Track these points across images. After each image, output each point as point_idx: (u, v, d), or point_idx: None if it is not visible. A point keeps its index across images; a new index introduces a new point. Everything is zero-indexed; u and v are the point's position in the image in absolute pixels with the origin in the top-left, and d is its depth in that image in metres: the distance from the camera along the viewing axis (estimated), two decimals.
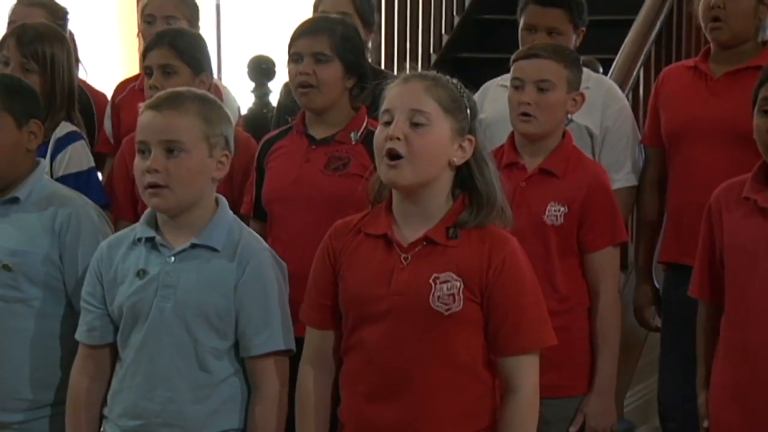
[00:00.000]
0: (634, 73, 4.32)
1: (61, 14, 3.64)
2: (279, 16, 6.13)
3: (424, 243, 2.25)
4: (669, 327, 3.32)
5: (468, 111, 2.27)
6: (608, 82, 3.54)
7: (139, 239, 2.36)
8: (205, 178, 2.33)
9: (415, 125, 2.22)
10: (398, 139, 2.21)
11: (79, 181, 2.95)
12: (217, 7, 6.25)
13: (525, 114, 2.79)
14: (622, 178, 3.27)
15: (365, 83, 2.86)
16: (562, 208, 2.78)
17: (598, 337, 2.80)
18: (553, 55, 2.82)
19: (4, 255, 2.48)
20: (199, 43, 3.13)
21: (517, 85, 2.83)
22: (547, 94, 2.79)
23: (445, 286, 2.22)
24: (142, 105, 2.34)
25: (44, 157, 2.88)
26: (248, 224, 2.98)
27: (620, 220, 2.86)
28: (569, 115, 2.90)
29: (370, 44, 3.48)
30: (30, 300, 2.50)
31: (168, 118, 2.29)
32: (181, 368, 2.31)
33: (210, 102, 2.36)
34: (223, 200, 2.39)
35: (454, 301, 2.22)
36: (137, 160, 2.32)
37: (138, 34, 3.73)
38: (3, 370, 2.49)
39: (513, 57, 2.88)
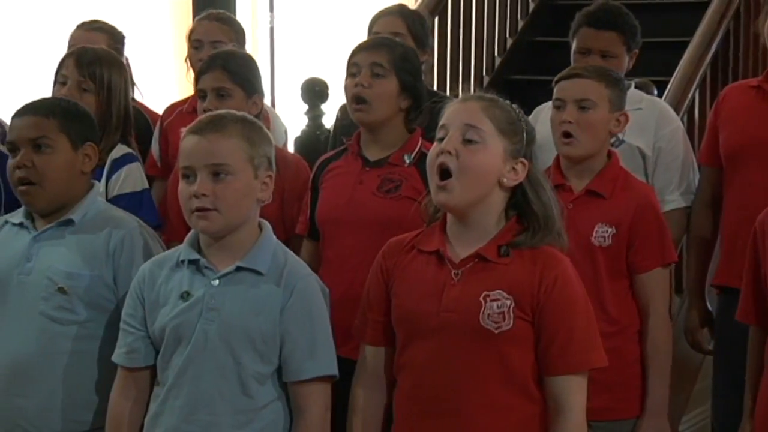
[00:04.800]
0: (690, 94, 4.29)
1: (119, 38, 3.69)
2: (332, 38, 6.18)
3: (476, 260, 2.26)
4: (721, 351, 3.28)
5: (524, 135, 2.28)
6: (661, 103, 3.53)
7: (183, 261, 2.35)
8: (251, 200, 2.33)
9: (467, 141, 2.24)
10: (449, 153, 2.23)
11: (132, 201, 2.97)
12: (271, 30, 6.30)
13: (566, 134, 2.79)
14: (675, 199, 3.25)
15: (420, 106, 2.86)
16: (609, 230, 2.76)
17: (649, 359, 2.78)
18: (594, 75, 2.82)
19: (60, 278, 2.50)
20: (251, 65, 3.16)
21: (559, 105, 2.83)
22: (588, 112, 2.79)
23: (495, 304, 2.22)
24: (183, 130, 2.35)
25: (100, 178, 2.91)
26: (302, 244, 3.02)
27: (669, 240, 2.84)
28: (618, 135, 2.88)
29: (423, 66, 3.49)
30: (85, 322, 2.51)
31: (212, 142, 2.29)
32: (224, 392, 2.30)
33: (251, 123, 2.37)
34: (267, 224, 2.39)
35: (504, 320, 2.22)
36: (182, 184, 2.32)
37: (186, 59, 3.77)
38: (61, 392, 2.49)
39: (555, 79, 2.88)
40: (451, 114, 2.28)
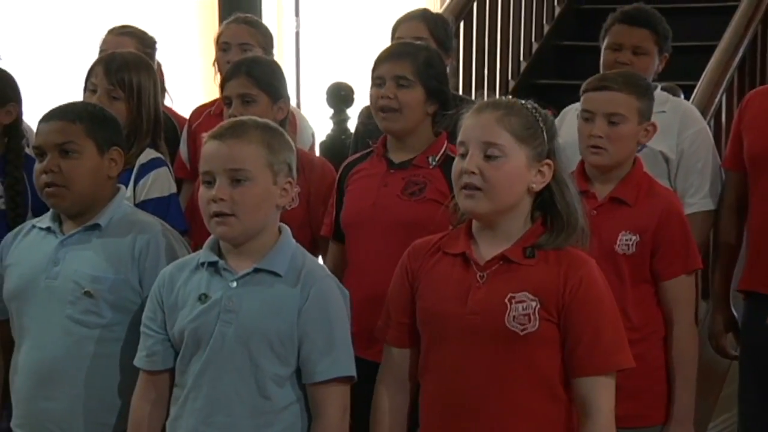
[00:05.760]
0: (717, 99, 4.27)
1: (149, 43, 3.70)
2: (357, 43, 6.19)
3: (501, 262, 2.26)
4: (747, 357, 3.26)
5: (545, 135, 2.27)
6: (685, 105, 3.51)
7: (202, 264, 2.36)
8: (270, 206, 2.33)
9: (488, 158, 2.23)
10: (473, 173, 2.22)
11: (159, 206, 2.98)
12: (297, 34, 6.31)
13: (595, 146, 2.77)
14: (697, 202, 3.23)
15: (447, 109, 2.86)
16: (633, 237, 2.75)
17: (675, 366, 2.77)
18: (624, 87, 2.79)
19: (86, 281, 2.51)
20: (275, 70, 3.17)
21: (587, 117, 2.81)
22: (618, 127, 2.77)
23: (520, 305, 2.22)
24: (205, 135, 2.36)
25: (128, 182, 2.92)
26: (327, 246, 3.03)
27: (694, 247, 2.83)
28: (642, 144, 2.87)
29: (447, 69, 3.49)
30: (110, 325, 2.52)
31: (232, 147, 2.29)
32: (242, 394, 2.30)
33: (272, 129, 2.37)
34: (287, 228, 2.39)
35: (529, 321, 2.22)
36: (202, 189, 2.33)
37: (214, 63, 3.78)
38: (86, 395, 2.51)
39: (583, 87, 2.86)
40: (467, 129, 2.27)
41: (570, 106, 3.36)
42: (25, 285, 2.55)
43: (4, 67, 3.33)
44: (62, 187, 2.51)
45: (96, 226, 2.56)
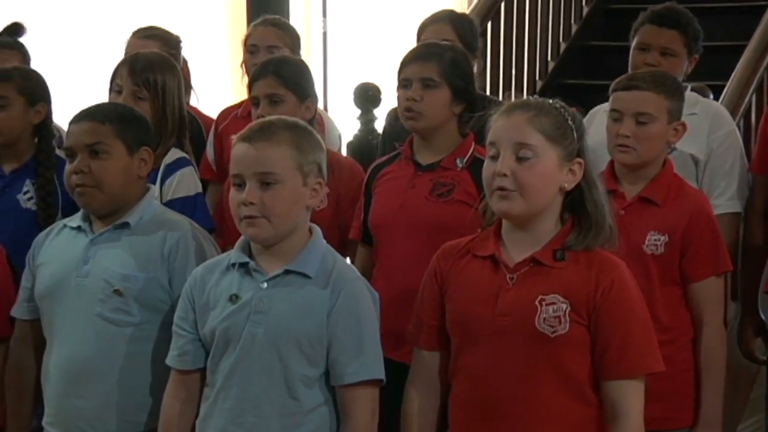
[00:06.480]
0: (746, 99, 4.25)
1: (174, 43, 3.70)
2: (384, 43, 6.19)
3: (531, 264, 2.25)
4: None
5: (574, 133, 2.26)
6: (716, 106, 3.48)
7: (233, 264, 2.36)
8: (300, 207, 2.32)
9: (521, 159, 2.22)
10: (505, 175, 2.22)
11: (185, 205, 2.98)
12: (324, 35, 6.32)
13: (623, 145, 2.76)
14: (723, 203, 3.20)
15: (474, 109, 2.86)
16: (662, 238, 2.73)
17: (703, 369, 2.75)
18: (653, 86, 2.77)
19: (116, 280, 2.52)
20: (303, 70, 3.17)
21: (616, 117, 2.79)
22: (646, 126, 2.76)
23: (551, 308, 2.21)
24: (234, 137, 2.35)
25: (154, 182, 2.94)
26: (355, 249, 3.03)
27: (724, 249, 2.81)
28: (672, 144, 2.85)
29: (474, 69, 3.49)
30: (140, 324, 2.53)
31: (260, 150, 2.29)
32: (271, 395, 2.30)
33: (301, 129, 2.36)
34: (317, 229, 2.39)
35: (560, 324, 2.21)
36: (232, 192, 2.33)
37: (241, 64, 3.79)
38: (117, 393, 2.52)
39: (612, 87, 2.84)
40: (498, 131, 2.26)
41: (598, 107, 3.34)
42: (56, 284, 2.56)
43: (33, 68, 3.37)
44: (93, 188, 2.52)
45: (125, 225, 2.57)
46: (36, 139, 3.15)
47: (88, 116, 2.57)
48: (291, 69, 3.12)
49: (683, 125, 2.82)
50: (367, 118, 4.55)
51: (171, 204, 2.95)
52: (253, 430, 2.32)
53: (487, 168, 2.26)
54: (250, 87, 3.16)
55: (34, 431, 2.69)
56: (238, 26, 5.44)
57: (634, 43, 3.35)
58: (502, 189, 2.22)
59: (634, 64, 3.34)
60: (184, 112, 3.18)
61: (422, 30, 3.59)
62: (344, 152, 4.25)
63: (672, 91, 2.80)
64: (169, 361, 2.43)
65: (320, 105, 3.37)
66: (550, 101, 2.30)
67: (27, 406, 2.67)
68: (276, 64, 3.13)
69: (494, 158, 2.25)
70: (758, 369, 3.91)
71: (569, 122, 2.27)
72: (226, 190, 3.23)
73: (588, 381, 2.24)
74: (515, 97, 2.42)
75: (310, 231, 2.39)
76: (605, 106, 3.26)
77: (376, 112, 4.56)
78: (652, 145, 2.77)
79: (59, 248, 2.60)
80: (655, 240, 2.74)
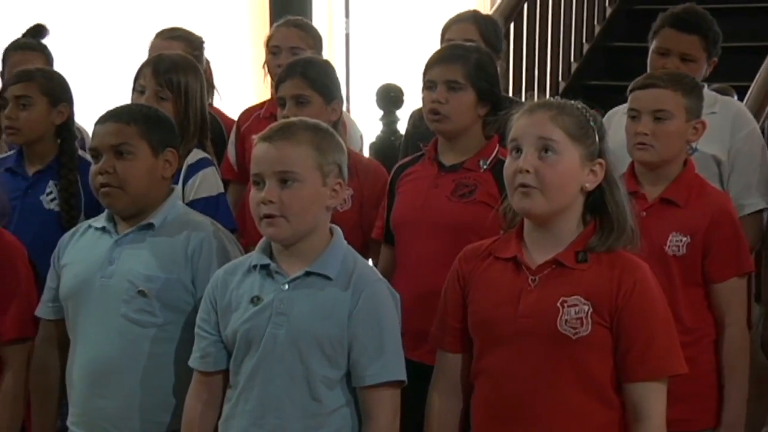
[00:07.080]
0: None
1: (197, 45, 3.72)
2: (407, 44, 6.19)
3: (553, 266, 2.25)
4: None
5: (596, 134, 2.26)
6: (736, 104, 3.46)
7: (254, 266, 2.37)
8: (320, 207, 2.32)
9: (543, 156, 2.22)
10: (528, 171, 2.21)
11: (207, 206, 3.00)
12: (347, 36, 6.34)
13: (641, 143, 2.75)
14: (755, 201, 3.18)
15: (499, 111, 2.85)
16: (684, 239, 2.72)
17: (726, 370, 2.74)
18: (670, 84, 2.77)
19: (140, 281, 2.52)
20: (329, 71, 3.18)
21: (634, 116, 2.79)
22: (664, 123, 2.75)
23: (573, 309, 2.21)
24: (255, 137, 2.36)
25: (176, 183, 2.95)
26: (378, 249, 3.03)
27: (746, 249, 2.79)
28: (693, 144, 2.84)
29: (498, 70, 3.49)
30: (164, 324, 2.53)
31: (281, 149, 2.30)
32: (293, 396, 2.31)
33: (322, 130, 2.37)
34: (338, 230, 2.39)
35: (582, 325, 2.21)
36: (252, 191, 2.33)
37: (263, 65, 3.80)
38: (141, 394, 2.52)
39: (630, 87, 2.84)
40: (520, 127, 2.26)
41: (616, 108, 3.33)
42: (80, 284, 2.57)
43: (56, 69, 3.38)
44: (117, 188, 2.53)
45: (150, 226, 2.58)
46: (58, 141, 3.17)
47: (113, 117, 2.58)
48: (318, 70, 3.13)
49: (702, 123, 2.81)
50: (389, 119, 4.56)
51: (193, 204, 2.96)
52: None
53: (509, 166, 2.26)
54: (276, 88, 3.16)
55: (59, 431, 2.70)
56: (261, 27, 5.46)
57: (653, 46, 3.33)
58: (524, 186, 2.22)
59: (653, 68, 3.31)
60: (206, 113, 3.19)
61: (446, 29, 3.59)
62: (366, 153, 4.25)
63: (689, 89, 2.80)
64: (191, 362, 2.44)
65: (343, 106, 3.37)
66: (572, 102, 2.30)
67: (51, 406, 2.69)
68: (303, 65, 3.13)
69: (515, 155, 2.25)
70: None
71: (591, 122, 2.27)
72: (248, 190, 3.24)
73: (610, 383, 2.24)
74: (537, 98, 2.41)
75: (331, 232, 2.39)
76: (623, 108, 3.25)
77: (399, 113, 4.57)
78: (670, 143, 2.76)
79: (84, 249, 2.61)
80: (677, 241, 2.73)
